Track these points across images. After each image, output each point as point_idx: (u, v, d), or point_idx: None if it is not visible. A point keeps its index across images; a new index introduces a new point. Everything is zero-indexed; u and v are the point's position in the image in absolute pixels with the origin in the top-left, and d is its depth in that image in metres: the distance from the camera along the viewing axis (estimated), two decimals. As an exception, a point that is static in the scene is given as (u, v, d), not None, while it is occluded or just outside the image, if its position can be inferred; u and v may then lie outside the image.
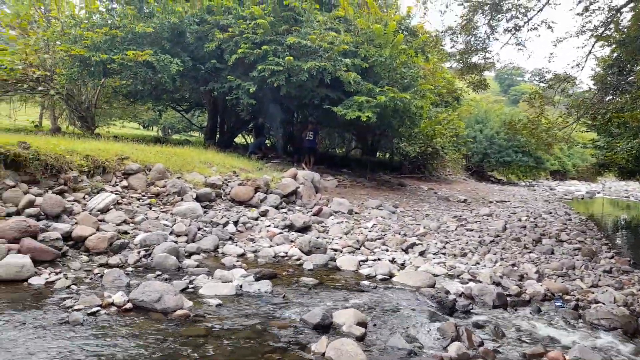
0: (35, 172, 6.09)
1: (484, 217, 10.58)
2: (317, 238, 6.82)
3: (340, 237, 7.26)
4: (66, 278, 4.56)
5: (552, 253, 7.49)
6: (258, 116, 15.40)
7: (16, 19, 13.72)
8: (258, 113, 14.85)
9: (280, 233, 6.98)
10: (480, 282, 5.61)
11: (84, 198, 6.38)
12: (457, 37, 11.47)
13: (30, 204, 5.53)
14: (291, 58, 11.23)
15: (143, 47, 11.60)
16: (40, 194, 5.86)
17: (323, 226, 7.85)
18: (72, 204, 6.03)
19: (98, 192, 6.61)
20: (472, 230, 8.84)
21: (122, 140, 10.74)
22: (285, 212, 8.19)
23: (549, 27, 10.93)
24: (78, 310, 3.79)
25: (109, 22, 12.14)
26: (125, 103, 17.61)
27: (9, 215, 5.31)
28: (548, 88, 12.42)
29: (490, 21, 10.82)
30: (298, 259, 6.06)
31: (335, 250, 6.63)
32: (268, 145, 16.69)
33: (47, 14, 14.56)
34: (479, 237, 8.25)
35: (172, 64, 11.56)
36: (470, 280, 5.76)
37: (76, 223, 5.61)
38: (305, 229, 7.47)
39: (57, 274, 4.66)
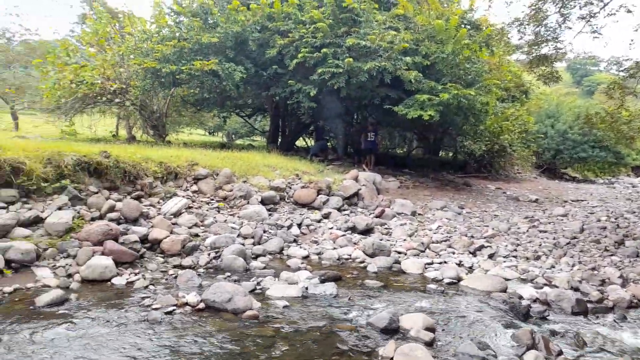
0: (115, 179, 6.55)
1: (558, 218, 9.96)
2: (381, 240, 6.76)
3: (404, 240, 7.15)
4: (144, 278, 4.86)
5: (638, 256, 6.89)
6: (318, 119, 15.54)
7: (95, 37, 14.86)
8: (318, 116, 15.00)
9: (343, 235, 6.99)
10: (557, 287, 5.28)
11: (158, 203, 6.76)
12: (524, 28, 10.88)
13: (112, 208, 5.95)
14: (351, 59, 11.23)
15: (209, 56, 12.12)
16: (119, 200, 6.29)
17: (386, 228, 7.76)
18: (148, 209, 6.41)
19: (171, 197, 6.98)
20: (545, 231, 8.35)
21: (191, 147, 11.28)
22: (348, 214, 8.20)
23: (629, 11, 10.08)
24: (156, 309, 4.02)
25: (177, 34, 12.80)
26: (192, 111, 18.44)
27: (93, 219, 5.75)
28: (629, 77, 11.44)
29: (562, 9, 10.16)
30: (362, 262, 6.04)
31: (399, 252, 6.54)
32: (329, 147, 16.78)
33: (121, 30, 15.64)
34: (554, 239, 7.77)
35: (236, 72, 11.97)
36: (545, 285, 5.44)
37: (152, 226, 5.96)
38: (367, 231, 7.43)
39: (136, 274, 4.98)
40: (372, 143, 13.69)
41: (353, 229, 7.37)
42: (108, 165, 6.49)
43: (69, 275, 4.74)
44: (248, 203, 7.63)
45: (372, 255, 6.19)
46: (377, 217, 8.24)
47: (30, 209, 5.42)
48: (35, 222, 5.33)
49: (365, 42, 11.44)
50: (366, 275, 5.55)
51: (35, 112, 24.65)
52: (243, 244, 6.10)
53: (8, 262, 4.63)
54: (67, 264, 4.89)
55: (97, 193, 6.18)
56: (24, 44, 25.35)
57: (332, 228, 7.39)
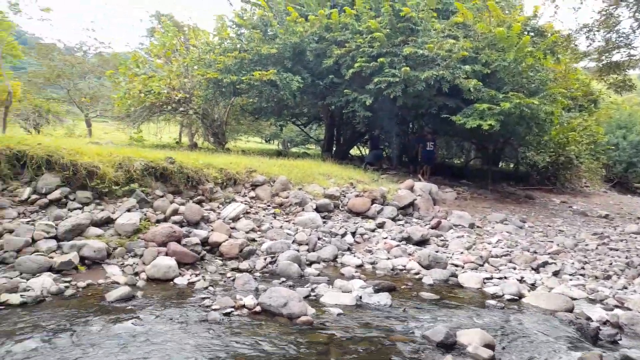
0: (179, 184, 6.88)
1: (631, 235, 9.26)
2: (437, 252, 6.61)
3: (462, 252, 6.94)
4: (204, 280, 5.06)
5: None
6: (373, 128, 15.49)
7: (162, 49, 15.77)
8: (373, 125, 14.95)
9: (398, 245, 6.90)
10: (630, 309, 4.92)
11: (218, 207, 7.02)
12: (594, 34, 10.35)
13: (175, 212, 6.24)
14: (408, 68, 11.14)
15: (267, 67, 12.47)
16: (182, 203, 6.59)
17: (442, 240, 7.58)
18: (209, 213, 6.67)
19: (230, 202, 7.22)
20: (616, 249, 7.80)
21: (248, 154, 11.61)
22: (402, 224, 8.09)
23: None
24: (215, 310, 4.17)
25: (238, 46, 13.28)
26: (250, 119, 19.01)
27: (158, 221, 6.06)
28: None
29: (637, 13, 9.55)
30: (417, 273, 5.93)
31: (456, 265, 6.35)
32: (383, 156, 16.66)
33: (186, 42, 16.48)
34: (626, 257, 7.24)
35: (293, 81, 12.23)
36: (616, 306, 5.08)
37: (212, 230, 6.19)
38: (423, 242, 7.29)
39: (196, 275, 5.19)
40: (430, 153, 13.43)
41: (408, 240, 7.26)
42: (173, 171, 6.84)
43: (136, 274, 5.03)
44: (303, 210, 7.73)
45: (427, 267, 6.07)
46: (433, 228, 8.06)
47: (102, 210, 5.81)
48: (106, 222, 5.70)
49: (422, 51, 11.31)
50: (421, 287, 5.44)
51: (107, 120, 26.46)
52: (298, 251, 6.19)
53: (82, 259, 4.98)
54: (134, 263, 5.19)
55: (162, 197, 6.51)
56: (98, 57, 27.35)
57: (386, 238, 7.32)
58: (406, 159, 16.38)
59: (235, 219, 6.83)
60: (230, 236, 6.18)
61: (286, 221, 7.36)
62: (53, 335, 3.48)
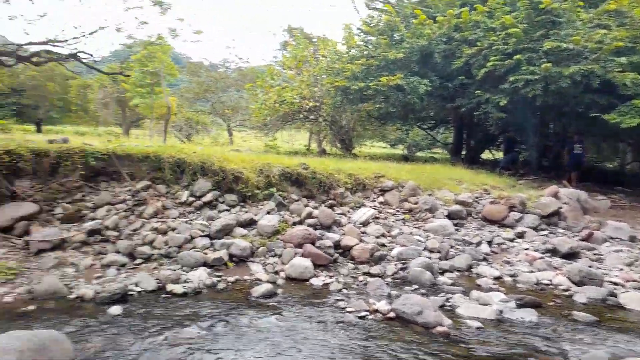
0: (312, 188, 7.21)
1: None
2: (590, 267, 5.89)
3: (621, 269, 6.08)
4: (338, 282, 5.21)
5: None
6: (508, 130, 14.45)
7: (294, 61, 16.72)
8: (508, 127, 13.95)
9: (542, 258, 6.31)
10: None
11: (348, 212, 7.18)
12: None
13: (309, 215, 6.55)
14: (549, 64, 10.17)
15: (394, 72, 12.44)
16: (316, 207, 6.88)
17: (595, 254, 6.73)
18: (340, 217, 6.86)
19: (359, 207, 7.34)
20: None
21: (375, 159, 11.68)
22: (546, 235, 7.37)
23: None
24: (350, 312, 4.27)
25: (365, 53, 13.51)
26: (376, 125, 19.11)
27: (294, 224, 6.41)
28: None
29: None
30: (566, 289, 5.35)
31: (615, 284, 5.58)
32: (520, 160, 15.41)
33: (316, 53, 17.23)
34: None
35: (421, 85, 12.03)
36: None
37: (343, 234, 6.35)
38: (571, 255, 6.55)
39: (330, 277, 5.37)
40: (578, 156, 12.00)
41: (553, 252, 6.59)
42: (307, 176, 7.19)
43: (276, 272, 5.39)
44: (433, 216, 7.51)
45: (578, 284, 5.44)
46: (583, 240, 7.20)
47: (246, 212, 6.35)
48: (250, 223, 6.21)
49: (566, 45, 10.24)
50: (572, 305, 4.90)
51: (244, 129, 28.89)
52: (429, 258, 6.04)
53: (230, 256, 5.49)
54: (274, 262, 5.57)
55: (297, 200, 6.89)
56: (237, 71, 30.05)
57: (527, 249, 6.74)
58: (546, 163, 14.94)
59: (365, 223, 6.92)
60: (360, 240, 6.27)
61: (416, 227, 7.23)
62: (211, 324, 3.90)
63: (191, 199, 6.33)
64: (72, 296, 4.35)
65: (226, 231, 5.89)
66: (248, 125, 25.60)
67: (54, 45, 10.83)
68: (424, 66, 12.85)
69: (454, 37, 12.33)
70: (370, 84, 12.34)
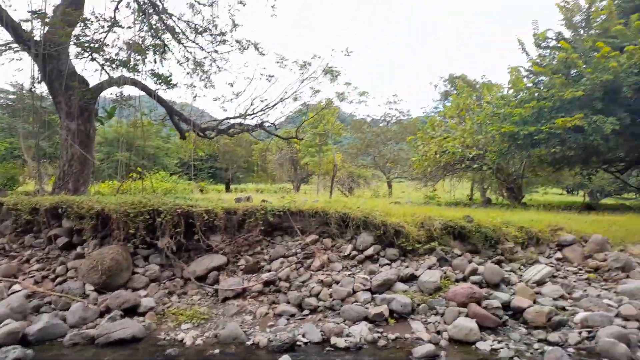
0: (477, 243, 6.82)
1: None
2: None
3: None
4: (508, 348, 4.73)
5: None
6: None
7: (456, 110, 16.45)
8: None
9: None
10: None
11: (519, 269, 6.55)
12: None
13: (474, 271, 6.16)
14: None
15: (571, 112, 11.32)
16: (481, 263, 6.45)
17: None
18: (509, 274, 6.29)
19: (532, 264, 6.64)
20: None
21: (549, 209, 10.51)
22: None
23: None
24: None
25: (536, 95, 12.60)
26: (549, 170, 17.33)
27: (457, 280, 6.11)
28: None
29: None
30: None
31: None
32: None
33: (479, 100, 16.70)
34: None
35: (606, 124, 10.66)
36: None
37: (514, 293, 5.79)
38: None
39: (499, 342, 4.90)
40: None
41: None
42: (470, 230, 6.85)
43: (438, 332, 5.15)
44: (627, 276, 6.35)
45: None
46: None
47: (407, 267, 6.31)
48: (410, 278, 6.13)
49: None
50: None
51: (403, 180, 29.09)
52: (624, 327, 5.06)
53: (391, 312, 5.47)
54: (436, 321, 5.34)
55: (460, 255, 6.58)
56: (397, 124, 30.79)
57: None
58: None
59: (540, 282, 6.19)
60: (534, 302, 5.63)
61: (605, 289, 6.18)
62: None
63: (354, 252, 6.58)
64: (249, 342, 4.86)
65: (387, 286, 5.91)
66: (407, 176, 25.75)
67: (245, 118, 12.81)
68: (609, 102, 11.39)
69: (648, 66, 10.73)
70: (543, 128, 11.40)
